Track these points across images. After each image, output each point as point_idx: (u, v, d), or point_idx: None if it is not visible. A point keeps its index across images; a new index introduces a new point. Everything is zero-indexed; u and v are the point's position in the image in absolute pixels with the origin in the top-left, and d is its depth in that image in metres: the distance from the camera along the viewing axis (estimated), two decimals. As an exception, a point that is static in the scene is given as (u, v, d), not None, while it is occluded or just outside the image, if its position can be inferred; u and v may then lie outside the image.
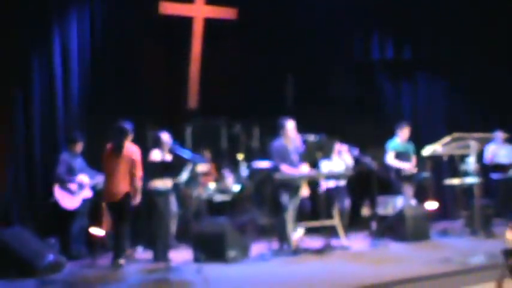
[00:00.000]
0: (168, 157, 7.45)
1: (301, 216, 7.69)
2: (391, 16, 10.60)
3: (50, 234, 7.50)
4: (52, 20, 8.33)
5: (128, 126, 7.16)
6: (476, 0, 10.36)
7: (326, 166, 8.29)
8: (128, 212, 7.07)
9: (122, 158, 6.95)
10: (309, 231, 8.00)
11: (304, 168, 7.80)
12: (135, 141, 7.41)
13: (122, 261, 6.94)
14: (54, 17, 8.35)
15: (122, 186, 6.95)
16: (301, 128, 7.98)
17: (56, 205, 7.61)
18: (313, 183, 8.04)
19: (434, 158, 8.95)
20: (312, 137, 7.71)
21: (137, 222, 7.76)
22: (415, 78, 10.95)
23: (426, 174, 9.03)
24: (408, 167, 8.72)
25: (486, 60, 10.44)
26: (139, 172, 6.97)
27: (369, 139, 9.30)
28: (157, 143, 7.52)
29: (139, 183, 6.98)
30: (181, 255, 7.34)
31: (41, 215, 7.89)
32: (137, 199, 7.04)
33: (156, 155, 7.36)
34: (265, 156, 8.92)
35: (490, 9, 10.38)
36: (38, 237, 7.11)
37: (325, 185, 8.18)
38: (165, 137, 7.51)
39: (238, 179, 9.27)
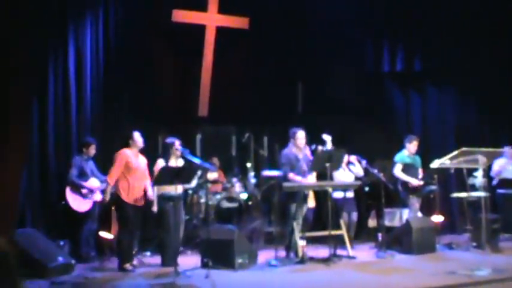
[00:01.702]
0: (179, 163, 7.52)
1: (304, 226, 7.76)
2: (402, 27, 10.67)
3: (60, 236, 7.63)
4: (68, 26, 8.47)
5: (130, 133, 7.32)
6: (486, 11, 10.36)
7: (335, 176, 8.35)
8: (118, 216, 7.27)
9: None
10: (316, 240, 8.06)
11: (311, 178, 7.85)
12: (146, 147, 7.53)
13: (127, 265, 7.06)
14: (70, 24, 8.49)
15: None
16: (310, 137, 8.06)
17: (67, 208, 7.71)
18: (321, 194, 8.08)
19: (442, 171, 8.98)
20: (321, 147, 7.78)
21: (146, 227, 7.85)
22: (424, 89, 10.97)
23: (433, 187, 9.06)
24: (415, 181, 8.73)
25: (497, 73, 10.44)
26: (110, 175, 7.13)
27: (378, 150, 9.34)
28: (167, 150, 7.59)
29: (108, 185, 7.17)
30: (189, 261, 7.40)
31: (52, 218, 8.00)
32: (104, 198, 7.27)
33: (160, 164, 7.41)
34: (273, 164, 9.01)
35: (501, 20, 10.38)
36: (48, 239, 7.22)
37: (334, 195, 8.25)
38: (175, 143, 7.58)
39: (246, 187, 9.35)
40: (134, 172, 7.18)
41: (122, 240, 7.15)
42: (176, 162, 7.54)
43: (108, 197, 7.15)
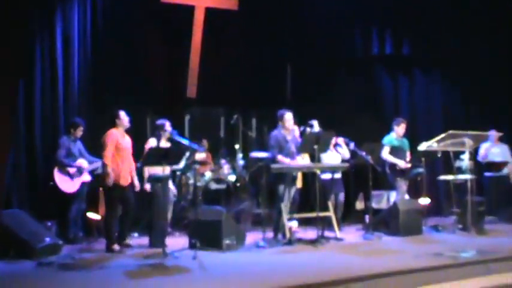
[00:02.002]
0: (167, 144, 7.51)
1: (292, 207, 7.79)
2: (391, 11, 10.64)
3: (48, 217, 7.60)
4: (55, 7, 8.36)
5: (116, 112, 7.26)
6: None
7: (322, 158, 8.38)
8: (105, 197, 7.23)
9: None
10: (304, 222, 8.11)
11: (301, 160, 7.87)
12: (135, 129, 7.50)
13: (115, 246, 7.06)
14: (57, 5, 8.39)
15: None
16: (299, 120, 8.07)
17: (54, 189, 7.69)
18: (309, 176, 8.12)
19: (429, 154, 9.03)
20: (309, 129, 7.80)
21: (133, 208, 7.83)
22: (413, 74, 11.02)
23: (421, 169, 9.11)
24: (403, 163, 8.79)
25: (484, 58, 10.50)
26: (105, 156, 7.03)
27: (366, 133, 9.37)
28: (156, 131, 7.59)
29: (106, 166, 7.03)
30: (177, 242, 7.43)
31: (40, 199, 7.97)
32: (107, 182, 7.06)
33: (152, 143, 7.43)
34: (262, 146, 9.02)
35: (489, 6, 10.42)
36: (36, 220, 7.20)
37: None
38: (166, 124, 7.57)
39: (234, 169, 9.36)
40: (122, 152, 7.15)
41: (109, 221, 7.14)
42: (166, 143, 7.53)
43: (111, 181, 7.01)
